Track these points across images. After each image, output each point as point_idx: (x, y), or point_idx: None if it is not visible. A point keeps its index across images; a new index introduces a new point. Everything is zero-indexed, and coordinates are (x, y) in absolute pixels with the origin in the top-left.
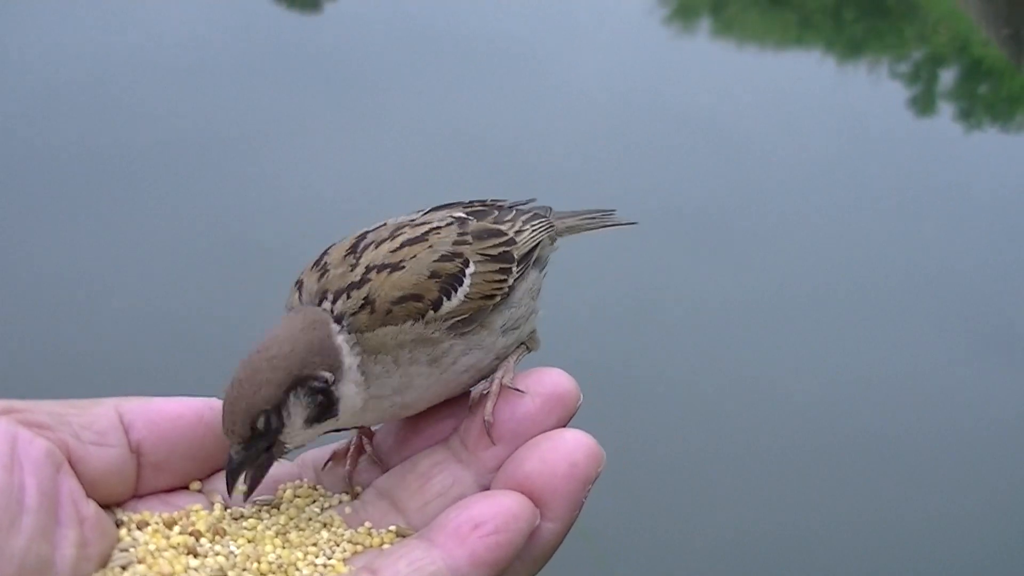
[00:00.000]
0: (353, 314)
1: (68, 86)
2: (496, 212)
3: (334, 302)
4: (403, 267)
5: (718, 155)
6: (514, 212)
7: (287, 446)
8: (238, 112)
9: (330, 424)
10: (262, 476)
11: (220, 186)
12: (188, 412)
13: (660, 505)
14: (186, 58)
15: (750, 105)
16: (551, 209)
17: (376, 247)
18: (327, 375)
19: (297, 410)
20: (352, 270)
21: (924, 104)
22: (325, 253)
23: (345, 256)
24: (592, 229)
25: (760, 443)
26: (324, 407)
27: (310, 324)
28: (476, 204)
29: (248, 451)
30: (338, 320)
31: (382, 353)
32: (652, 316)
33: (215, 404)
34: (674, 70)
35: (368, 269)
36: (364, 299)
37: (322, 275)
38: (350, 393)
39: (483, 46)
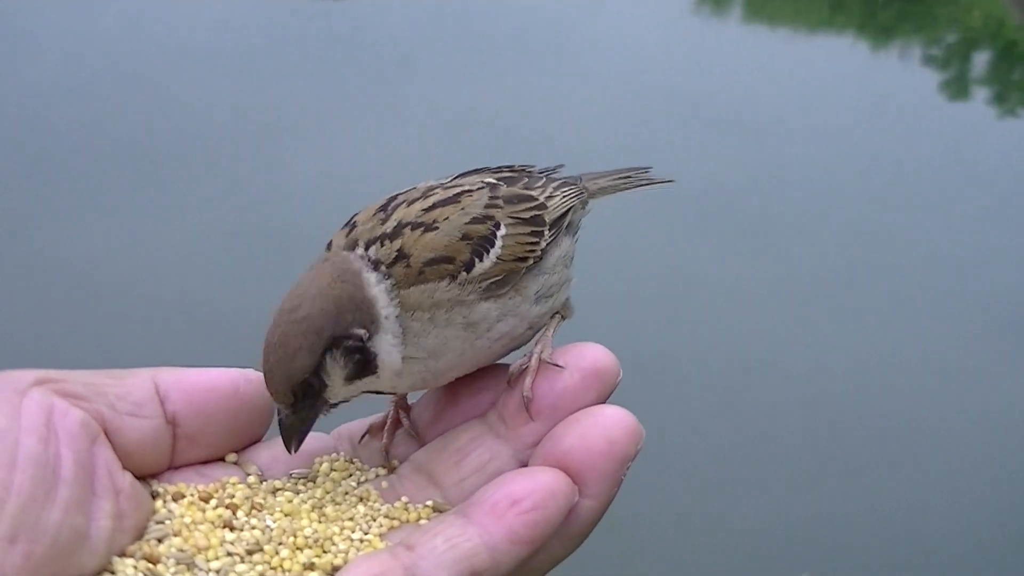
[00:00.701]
0: (390, 264)
1: (96, 72)
2: (526, 178)
3: (367, 248)
4: (436, 228)
5: (748, 139)
6: (544, 179)
7: (332, 402)
8: (264, 97)
9: (371, 382)
10: (308, 429)
11: (247, 170)
12: (224, 383)
13: (688, 485)
14: (210, 44)
15: (781, 89)
16: (580, 177)
17: (408, 205)
18: (361, 332)
19: (336, 370)
20: (383, 224)
21: (957, 89)
22: (354, 216)
23: (375, 214)
24: (627, 189)
25: (786, 425)
26: (362, 364)
27: (339, 276)
28: (505, 169)
29: (296, 412)
30: (376, 266)
31: (420, 310)
32: (681, 298)
33: (251, 375)
34: (705, 54)
35: (400, 224)
36: (398, 251)
37: (351, 232)
38: (387, 348)
39: (511, 30)
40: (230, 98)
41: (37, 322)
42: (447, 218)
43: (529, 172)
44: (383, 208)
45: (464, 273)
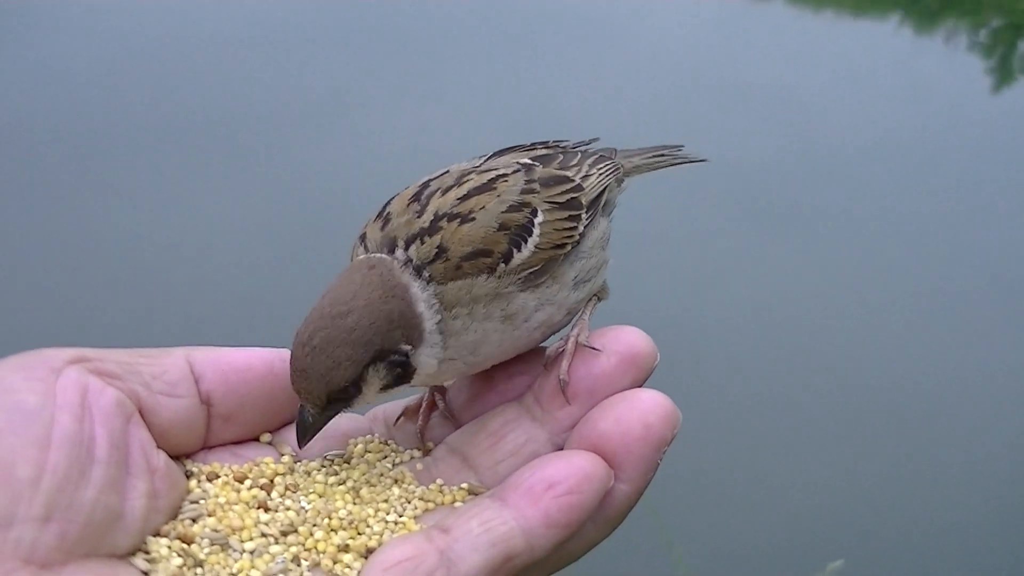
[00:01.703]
0: (430, 262)
1: (127, 52)
2: (561, 156)
3: (406, 249)
4: (473, 219)
5: (787, 124)
6: (579, 156)
7: (358, 407)
8: (300, 79)
9: (402, 388)
10: (322, 428)
11: (280, 153)
12: (259, 363)
13: (725, 471)
14: (240, 28)
15: (823, 73)
16: (616, 151)
17: (443, 194)
18: (407, 348)
19: (374, 382)
20: (419, 216)
21: (1003, 75)
22: (386, 205)
23: (409, 204)
24: (661, 167)
25: (826, 413)
26: (400, 376)
27: (390, 292)
28: (539, 146)
29: (321, 414)
30: (418, 271)
31: (459, 307)
32: (720, 282)
33: (286, 355)
34: (747, 37)
35: (437, 217)
36: (438, 247)
37: (385, 224)
38: (427, 360)
39: (547, 9)
40: (264, 81)
41: (73, 301)
42: (483, 207)
43: (563, 148)
44: (416, 197)
45: (503, 265)
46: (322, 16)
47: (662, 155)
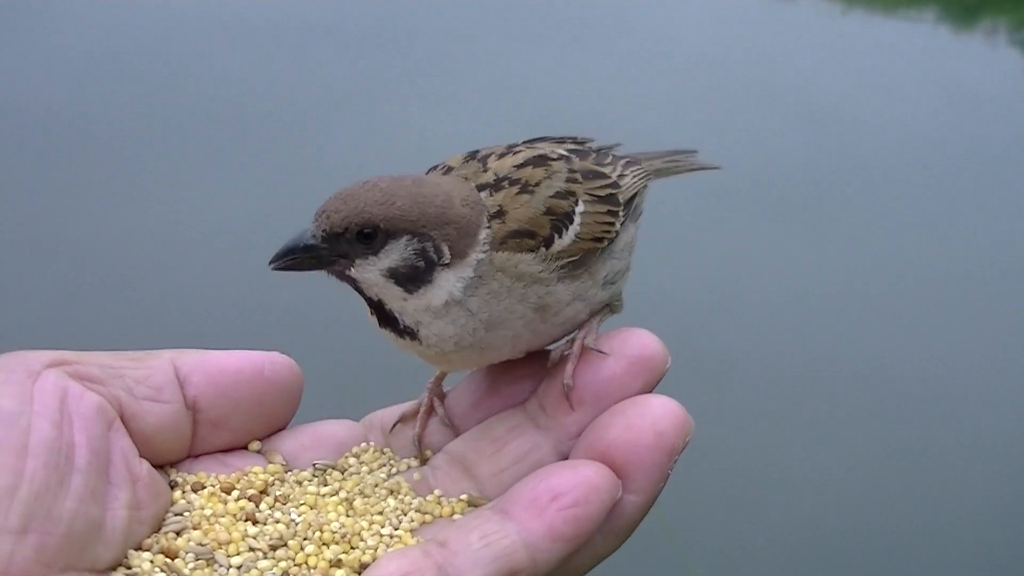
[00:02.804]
0: (492, 216)
1: (125, 47)
2: (593, 154)
3: (480, 192)
4: (531, 190)
5: (817, 126)
6: (611, 156)
7: (350, 273)
8: (306, 76)
9: (396, 295)
10: (301, 269)
11: (285, 151)
12: (247, 366)
13: (742, 483)
14: (249, 21)
15: (855, 73)
16: (639, 158)
17: (498, 158)
18: (447, 253)
19: (392, 254)
20: (484, 172)
21: None
22: (439, 164)
23: (467, 160)
24: (677, 173)
25: (856, 432)
26: (410, 276)
27: (472, 201)
28: (568, 140)
29: (321, 244)
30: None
31: (503, 273)
32: (736, 286)
33: (276, 358)
34: (774, 35)
35: (499, 178)
36: (500, 206)
37: (447, 172)
38: (444, 284)
39: (570, 8)
40: (270, 78)
41: (54, 300)
42: (538, 183)
43: (592, 147)
44: (472, 157)
45: (544, 249)
46: (331, 11)
47: (676, 160)
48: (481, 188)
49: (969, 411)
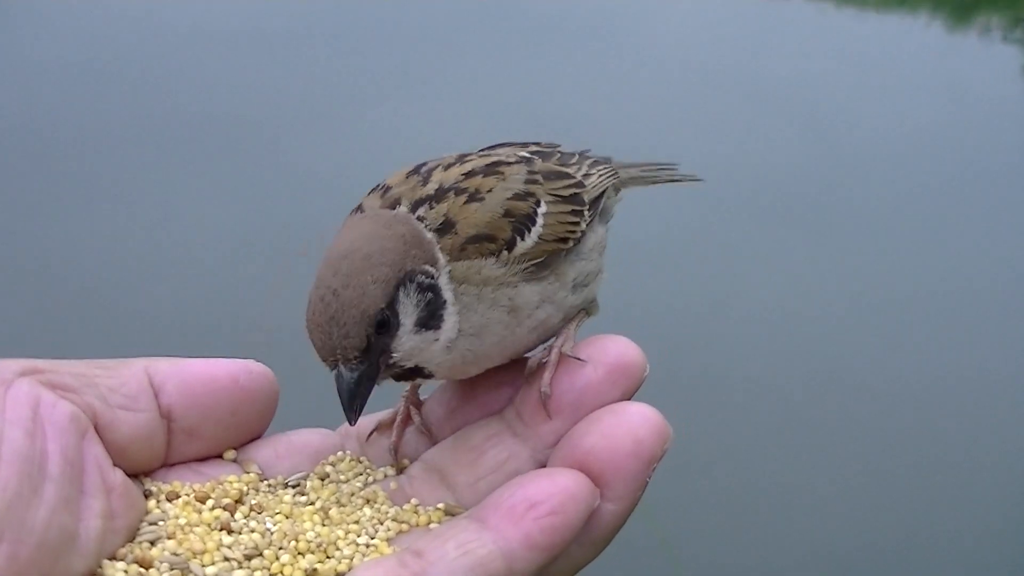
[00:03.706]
0: (437, 229)
1: (109, 54)
2: (558, 154)
3: (414, 209)
4: (481, 199)
5: (811, 128)
6: (577, 156)
7: (395, 356)
8: (290, 81)
9: (427, 348)
10: (368, 394)
11: (266, 158)
12: (223, 375)
13: (737, 498)
14: (233, 25)
15: (849, 72)
16: (610, 160)
17: (444, 169)
18: (431, 269)
19: (408, 310)
20: (424, 185)
21: None
22: (381, 183)
23: (408, 176)
24: (655, 183)
25: (852, 447)
26: (431, 310)
27: (391, 220)
28: (532, 145)
29: (363, 365)
30: (423, 222)
31: (468, 284)
32: (740, 298)
33: (252, 367)
34: (766, 34)
35: (442, 188)
36: (445, 217)
37: (385, 192)
38: (451, 298)
39: (559, 7)
40: (253, 82)
41: (29, 312)
42: (490, 189)
43: (559, 149)
44: (416, 171)
45: (506, 252)
46: (321, 13)
47: (657, 170)
48: (418, 203)
49: (974, 422)
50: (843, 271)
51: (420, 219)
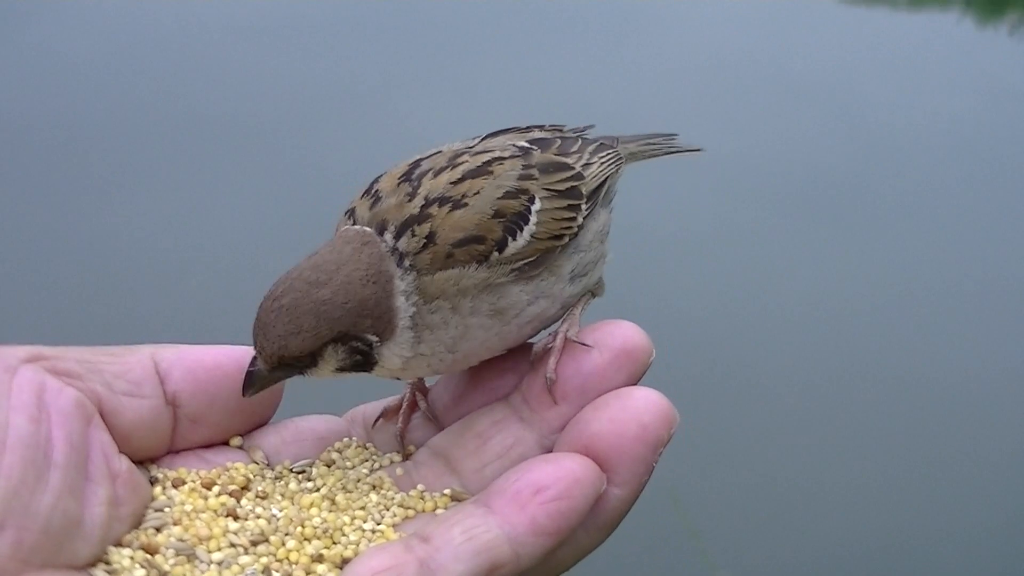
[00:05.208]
0: (416, 253)
1: (144, 44)
2: (559, 141)
3: (397, 238)
4: (466, 204)
5: (841, 123)
6: (579, 142)
7: (310, 377)
8: (318, 73)
9: (360, 374)
10: (270, 385)
11: (294, 151)
12: (229, 361)
13: (766, 490)
14: (262, 17)
15: (878, 69)
16: (617, 139)
17: (435, 176)
18: (373, 339)
19: (330, 360)
20: (410, 200)
21: None
22: (375, 182)
23: (399, 184)
24: (656, 156)
25: (884, 443)
26: (359, 363)
27: (373, 276)
28: (535, 129)
29: (271, 373)
30: (401, 260)
31: (441, 299)
32: (771, 292)
33: None
34: (796, 29)
35: (428, 202)
36: (427, 237)
37: (375, 203)
38: (391, 356)
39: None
40: (278, 76)
41: (34, 299)
42: (477, 192)
43: (561, 133)
44: (407, 177)
45: (496, 253)
46: (346, 8)
47: (658, 144)
48: (403, 228)
49: (1005, 421)
50: (873, 266)
51: (398, 252)
